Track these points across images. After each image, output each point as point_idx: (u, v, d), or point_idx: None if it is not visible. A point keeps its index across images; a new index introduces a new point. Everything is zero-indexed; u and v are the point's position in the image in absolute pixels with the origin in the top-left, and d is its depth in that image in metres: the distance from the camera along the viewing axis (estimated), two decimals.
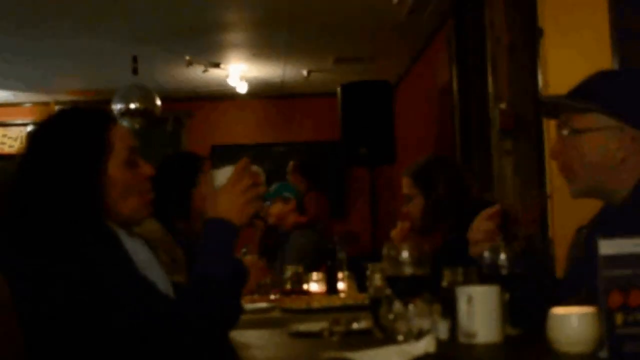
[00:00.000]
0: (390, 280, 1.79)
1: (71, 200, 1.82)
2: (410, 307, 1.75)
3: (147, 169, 1.96)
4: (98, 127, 1.92)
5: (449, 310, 1.84)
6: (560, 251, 3.59)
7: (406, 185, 3.17)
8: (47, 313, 1.75)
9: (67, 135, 1.90)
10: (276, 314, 3.03)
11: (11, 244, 1.82)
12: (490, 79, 4.74)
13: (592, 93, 2.00)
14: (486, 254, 1.95)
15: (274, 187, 4.84)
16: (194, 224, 3.02)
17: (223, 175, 1.95)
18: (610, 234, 1.47)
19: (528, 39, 4.35)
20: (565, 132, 2.03)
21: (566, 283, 2.10)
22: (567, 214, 3.64)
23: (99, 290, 1.73)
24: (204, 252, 1.88)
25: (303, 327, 2.21)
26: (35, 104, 8.83)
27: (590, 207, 2.16)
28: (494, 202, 3.31)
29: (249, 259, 3.68)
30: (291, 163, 6.10)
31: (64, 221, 1.79)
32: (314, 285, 3.68)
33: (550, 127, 4.13)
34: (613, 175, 1.98)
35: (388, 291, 1.89)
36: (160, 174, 2.08)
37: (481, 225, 2.14)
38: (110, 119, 1.99)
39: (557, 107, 2.08)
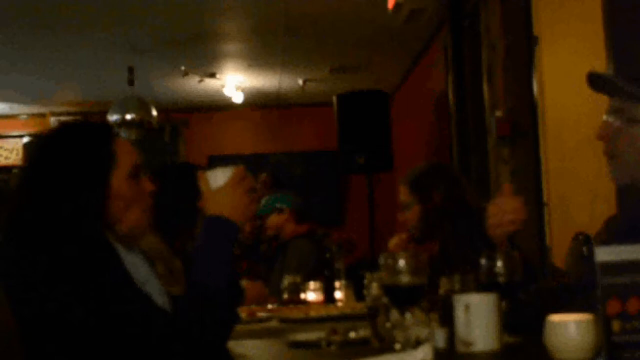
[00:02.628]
0: (387, 290, 1.78)
1: (74, 212, 1.81)
2: (408, 316, 1.74)
3: (148, 185, 1.96)
4: (103, 140, 1.92)
5: (447, 319, 1.84)
6: (558, 258, 3.59)
7: (403, 193, 3.17)
8: (44, 328, 1.74)
9: (72, 147, 1.90)
10: (274, 323, 3.02)
11: (10, 256, 1.82)
12: (486, 87, 4.75)
13: None
14: (483, 261, 1.95)
15: (264, 201, 4.78)
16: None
17: (222, 175, 1.93)
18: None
19: (524, 47, 4.36)
20: (617, 119, 1.92)
21: (564, 290, 2.10)
22: (564, 221, 3.65)
23: (97, 304, 1.72)
24: (204, 253, 1.86)
25: (301, 336, 2.21)
26: (31, 115, 8.75)
27: (586, 215, 2.16)
28: None
29: (248, 283, 3.65)
30: (262, 179, 5.88)
31: (65, 234, 1.78)
32: (312, 295, 3.67)
33: (546, 133, 4.14)
34: None
35: (385, 300, 1.89)
36: (161, 186, 2.07)
37: (506, 204, 2.04)
38: (114, 132, 1.99)
39: (615, 91, 1.95)
